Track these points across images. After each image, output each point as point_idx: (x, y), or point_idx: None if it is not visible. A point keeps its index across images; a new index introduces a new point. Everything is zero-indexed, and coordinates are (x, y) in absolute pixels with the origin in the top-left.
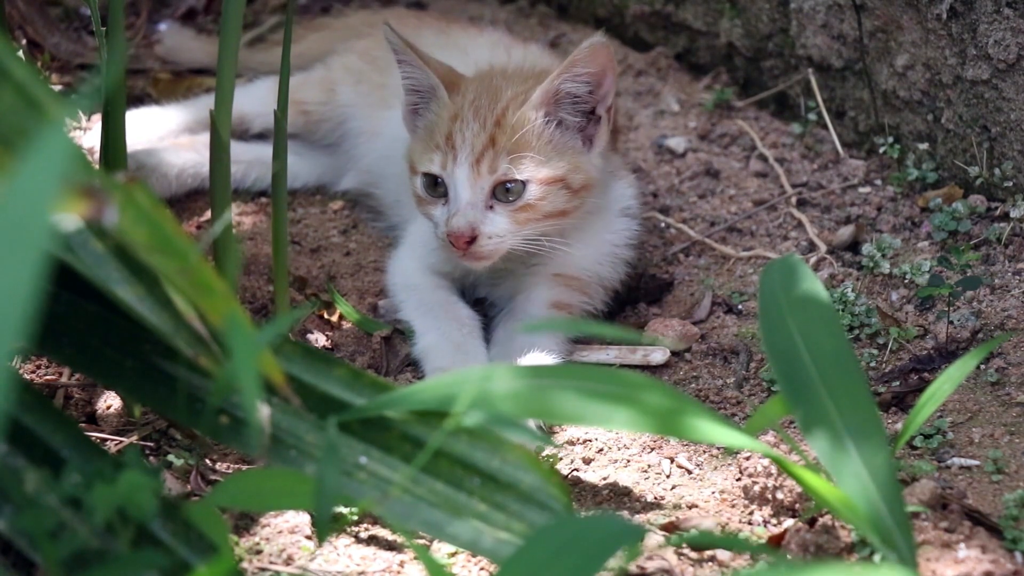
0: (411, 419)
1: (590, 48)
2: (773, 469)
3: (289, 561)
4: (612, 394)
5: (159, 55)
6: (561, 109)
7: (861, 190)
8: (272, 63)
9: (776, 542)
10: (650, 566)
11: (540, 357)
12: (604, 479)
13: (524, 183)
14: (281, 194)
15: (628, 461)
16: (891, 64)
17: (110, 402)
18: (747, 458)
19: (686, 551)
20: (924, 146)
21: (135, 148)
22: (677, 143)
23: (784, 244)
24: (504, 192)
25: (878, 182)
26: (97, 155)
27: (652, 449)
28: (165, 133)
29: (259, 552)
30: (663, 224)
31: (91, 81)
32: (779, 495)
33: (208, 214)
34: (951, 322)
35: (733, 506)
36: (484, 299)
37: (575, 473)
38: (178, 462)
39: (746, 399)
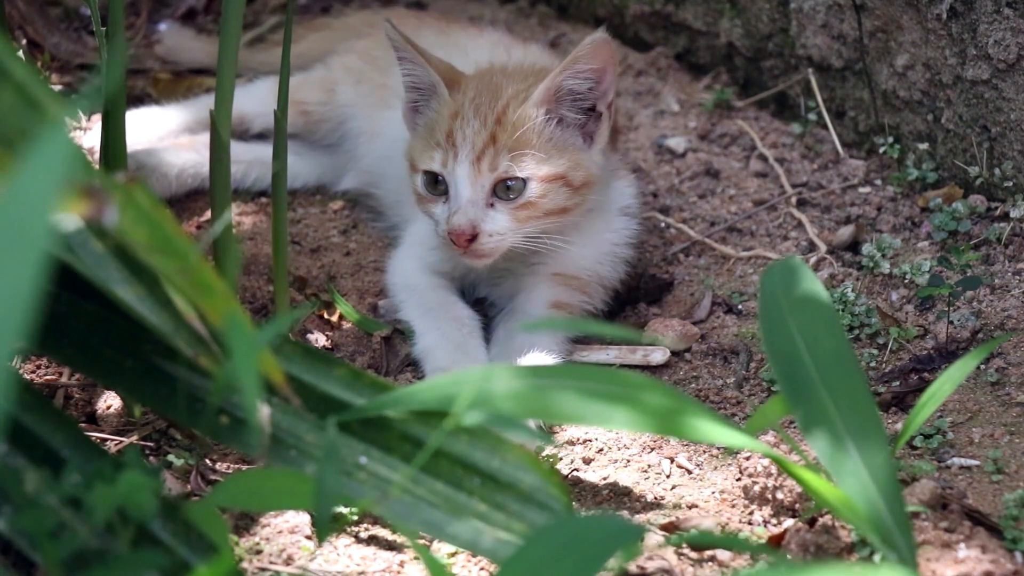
0: (411, 419)
1: (592, 44)
2: (773, 469)
3: (289, 561)
4: (612, 394)
5: (159, 55)
6: (562, 106)
7: (861, 190)
8: (272, 63)
9: (776, 542)
10: (650, 566)
11: (540, 357)
12: (604, 479)
13: (525, 181)
14: (281, 194)
15: (628, 461)
16: (891, 64)
17: (110, 402)
18: (747, 458)
19: (686, 551)
20: (924, 146)
21: (135, 148)
22: (677, 143)
23: (784, 244)
24: (505, 190)
25: (878, 182)
26: (97, 155)
27: (652, 449)
28: (165, 133)
29: (259, 552)
30: (663, 224)
31: (91, 81)
32: (779, 495)
33: (208, 214)
34: (951, 322)
35: (733, 506)
36: (484, 299)
37: (575, 473)
38: (178, 462)
39: (746, 399)
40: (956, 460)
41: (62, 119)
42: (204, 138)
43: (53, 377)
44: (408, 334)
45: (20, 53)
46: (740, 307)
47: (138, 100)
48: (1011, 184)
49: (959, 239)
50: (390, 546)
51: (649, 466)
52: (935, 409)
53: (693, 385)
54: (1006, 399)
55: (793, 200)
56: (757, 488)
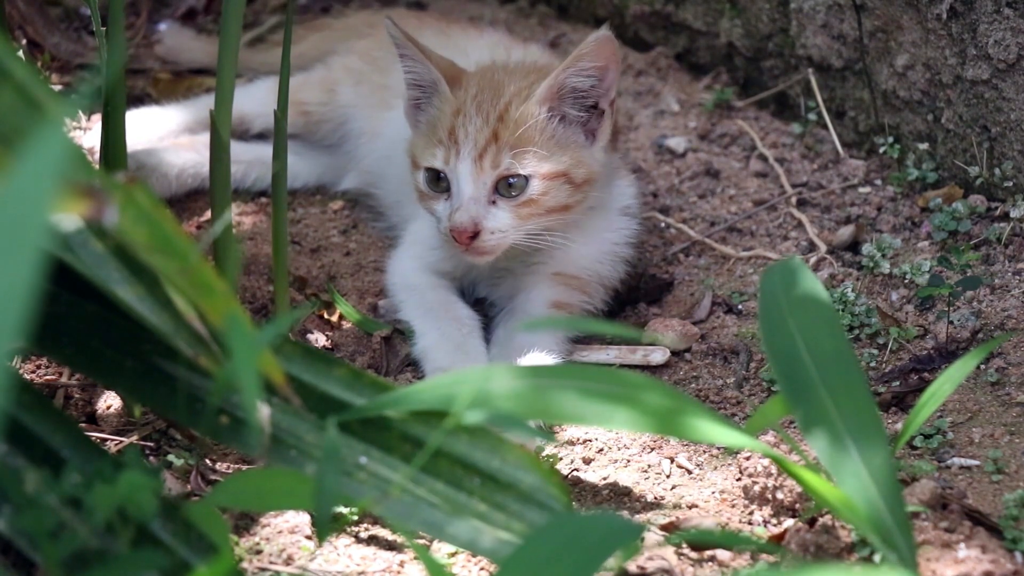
0: (411, 419)
1: (596, 42)
2: (773, 469)
3: (289, 561)
4: (612, 394)
5: (159, 55)
6: (565, 104)
7: (861, 190)
8: (272, 63)
9: (776, 542)
10: (650, 566)
11: (540, 357)
12: (604, 479)
13: (527, 178)
14: (281, 194)
15: (628, 461)
16: (891, 64)
17: (110, 402)
18: (747, 458)
19: (686, 551)
20: (924, 146)
21: (135, 148)
22: (677, 143)
23: (784, 244)
24: (507, 187)
25: (878, 182)
26: (97, 155)
27: (652, 449)
28: (165, 133)
29: (259, 552)
30: (663, 224)
31: (90, 80)
32: (779, 495)
33: (208, 214)
34: (951, 322)
35: (733, 506)
36: (484, 299)
37: (575, 473)
38: (178, 462)
39: (746, 399)
40: (956, 460)
41: (60, 117)
42: (204, 138)
43: (53, 377)
44: (408, 334)
45: (20, 53)
46: (740, 307)
47: (138, 100)
48: (1011, 184)
49: (959, 239)
50: (390, 546)
51: (649, 466)
52: (935, 409)
53: (693, 385)
54: (1006, 399)
55: (793, 200)
56: (757, 488)
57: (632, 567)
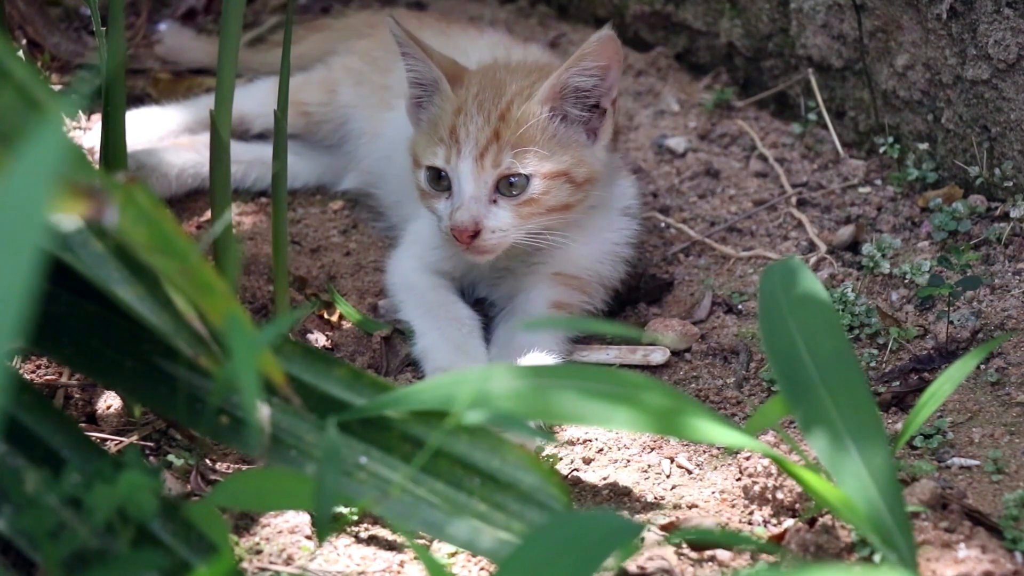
0: (411, 419)
1: (599, 41)
2: (773, 469)
3: (289, 561)
4: (612, 394)
5: (159, 55)
6: (566, 103)
7: (861, 190)
8: (272, 63)
9: (776, 542)
10: (650, 566)
11: (540, 357)
12: (604, 479)
13: (528, 177)
14: (281, 194)
15: (628, 461)
16: (891, 64)
17: (110, 402)
18: (747, 458)
19: (686, 551)
20: (924, 146)
21: (135, 148)
22: (677, 143)
23: (784, 244)
24: (508, 186)
25: (878, 182)
26: (97, 155)
27: (652, 449)
28: (165, 133)
29: (259, 552)
30: (663, 224)
31: (90, 80)
32: (779, 495)
33: (208, 214)
34: (951, 322)
35: (733, 506)
36: (484, 299)
37: (575, 473)
38: (178, 462)
39: (746, 399)
40: (956, 460)
41: (57, 116)
42: (204, 138)
43: (53, 377)
44: (408, 334)
45: (20, 53)
46: (740, 307)
47: (138, 100)
48: (1011, 184)
49: (959, 239)
50: (390, 546)
51: (649, 466)
52: (935, 409)
53: (693, 385)
54: (1006, 399)
55: (793, 200)
56: (757, 488)
57: (632, 567)
